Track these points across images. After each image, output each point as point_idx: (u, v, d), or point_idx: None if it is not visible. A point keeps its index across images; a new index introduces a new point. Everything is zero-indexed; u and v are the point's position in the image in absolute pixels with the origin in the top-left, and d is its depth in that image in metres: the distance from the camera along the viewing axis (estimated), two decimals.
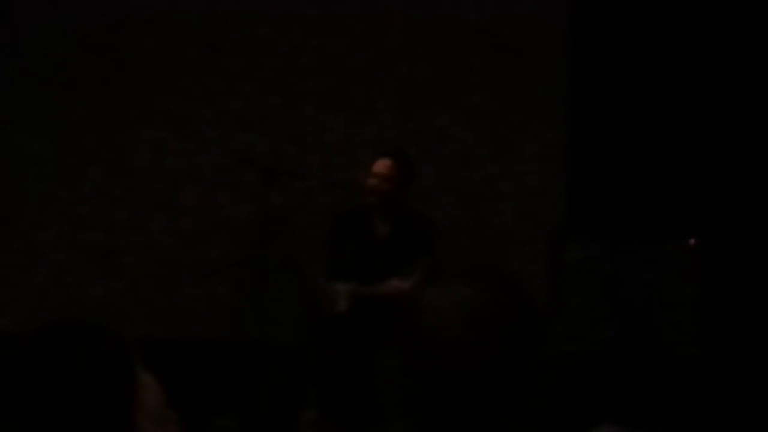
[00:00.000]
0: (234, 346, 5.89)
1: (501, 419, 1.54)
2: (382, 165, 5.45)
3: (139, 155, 6.26)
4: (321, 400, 5.27)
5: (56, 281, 6.18)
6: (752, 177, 6.32)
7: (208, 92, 6.30)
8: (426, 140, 6.26)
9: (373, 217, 5.54)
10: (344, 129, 6.30)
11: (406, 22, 6.35)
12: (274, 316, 5.74)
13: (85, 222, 6.24)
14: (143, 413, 1.76)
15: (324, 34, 6.33)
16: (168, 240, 6.24)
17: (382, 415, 4.67)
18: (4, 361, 1.74)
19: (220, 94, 6.30)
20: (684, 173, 6.32)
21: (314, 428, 5.22)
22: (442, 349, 1.54)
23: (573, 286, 5.49)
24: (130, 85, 6.28)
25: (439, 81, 6.34)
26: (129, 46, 6.29)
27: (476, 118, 6.34)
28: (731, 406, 5.54)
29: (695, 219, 6.11)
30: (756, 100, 6.30)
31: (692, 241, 5.58)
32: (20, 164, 6.25)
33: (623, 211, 6.21)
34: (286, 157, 6.11)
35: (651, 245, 5.59)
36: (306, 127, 6.29)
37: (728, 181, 6.32)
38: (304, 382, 5.38)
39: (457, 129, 6.33)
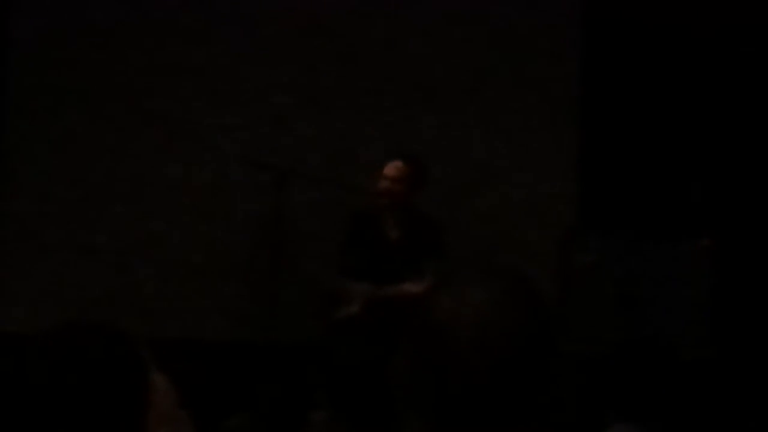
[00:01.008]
0: (246, 347, 5.89)
1: (514, 420, 1.54)
2: (393, 168, 5.47)
3: (148, 157, 6.27)
4: (333, 402, 5.27)
5: (65, 283, 6.18)
6: (766, 178, 6.30)
7: (219, 94, 6.30)
8: (436, 141, 6.26)
9: (384, 218, 5.54)
10: (354, 131, 6.30)
11: (415, 23, 6.35)
12: (286, 317, 5.74)
13: (94, 223, 6.24)
14: (155, 413, 1.76)
15: (332, 36, 6.33)
16: (180, 242, 6.24)
17: (395, 417, 4.67)
18: (16, 361, 1.74)
19: (231, 96, 6.30)
20: (696, 174, 6.30)
21: (326, 429, 5.23)
22: (457, 351, 1.54)
23: (585, 288, 5.48)
24: (138, 87, 6.28)
25: (449, 82, 6.34)
26: (136, 49, 6.29)
27: (488, 120, 6.33)
28: (742, 407, 5.52)
29: (708, 220, 6.09)
30: None
31: (705, 242, 5.57)
32: (23, 165, 6.26)
33: (635, 212, 6.20)
34: (298, 159, 6.11)
35: (663, 246, 5.58)
36: (317, 129, 6.29)
37: (741, 182, 6.31)
38: (315, 383, 5.38)
39: (468, 130, 6.32)
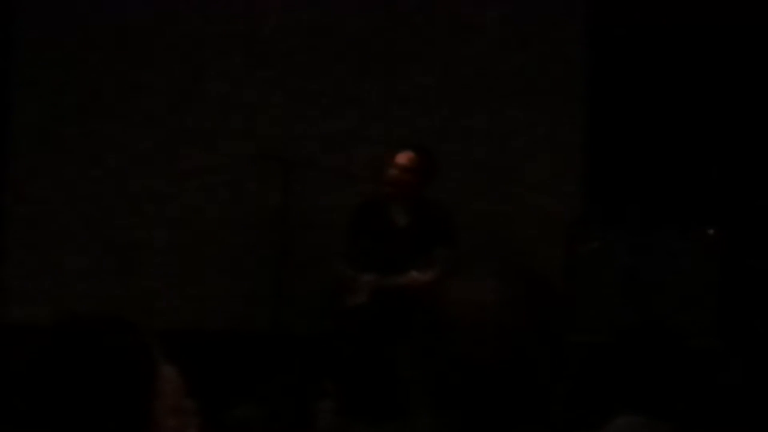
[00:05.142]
0: (254, 337, 5.92)
1: (521, 409, 1.57)
2: (404, 157, 5.51)
3: (158, 149, 6.29)
4: (340, 391, 5.30)
5: (78, 276, 6.21)
6: None
7: (225, 86, 6.31)
8: (442, 133, 6.27)
9: (392, 207, 5.56)
10: (361, 121, 6.31)
11: (421, 16, 6.35)
12: (294, 307, 5.76)
13: (105, 217, 6.27)
14: (163, 403, 1.78)
15: (338, 28, 6.34)
16: (188, 233, 6.27)
17: (403, 406, 4.69)
18: (28, 352, 1.77)
19: (238, 87, 6.32)
20: (702, 163, 6.30)
21: (333, 418, 5.25)
22: (465, 342, 1.57)
23: (590, 277, 5.48)
24: (150, 81, 6.30)
25: (454, 75, 6.34)
26: (143, 43, 6.31)
27: (492, 112, 6.34)
28: (748, 396, 5.53)
29: (713, 209, 6.10)
30: None
31: (710, 232, 5.57)
32: (41, 162, 6.29)
33: (641, 202, 6.20)
34: (305, 149, 6.12)
35: (668, 236, 5.58)
36: (324, 120, 6.31)
37: (747, 171, 6.30)
38: (323, 373, 5.40)
39: (473, 122, 6.33)
